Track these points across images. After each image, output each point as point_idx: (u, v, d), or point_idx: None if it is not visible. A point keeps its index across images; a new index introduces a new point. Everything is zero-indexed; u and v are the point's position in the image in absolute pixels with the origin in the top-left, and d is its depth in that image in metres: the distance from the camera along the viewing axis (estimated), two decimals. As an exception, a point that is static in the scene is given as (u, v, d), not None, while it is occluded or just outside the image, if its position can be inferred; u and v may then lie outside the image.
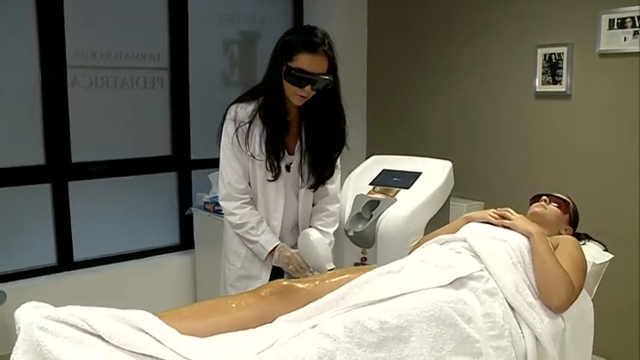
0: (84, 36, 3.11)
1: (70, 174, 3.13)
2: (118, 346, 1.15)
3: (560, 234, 2.00)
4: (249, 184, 2.05)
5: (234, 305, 1.49)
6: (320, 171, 2.05)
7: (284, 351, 1.25)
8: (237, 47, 3.78)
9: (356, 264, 2.43)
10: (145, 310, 1.27)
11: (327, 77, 1.89)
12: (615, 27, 2.80)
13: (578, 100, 3.00)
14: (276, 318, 1.45)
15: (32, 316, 1.13)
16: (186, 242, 3.58)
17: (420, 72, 3.79)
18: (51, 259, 3.14)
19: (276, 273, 2.07)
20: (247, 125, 1.97)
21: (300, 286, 1.57)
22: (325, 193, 2.15)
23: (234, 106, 2.01)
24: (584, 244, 2.04)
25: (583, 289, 1.76)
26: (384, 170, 2.66)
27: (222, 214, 2.14)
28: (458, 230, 1.93)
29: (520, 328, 1.55)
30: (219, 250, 2.26)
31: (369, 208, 2.44)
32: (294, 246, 2.06)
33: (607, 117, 2.90)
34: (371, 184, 2.59)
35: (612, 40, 2.82)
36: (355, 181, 2.63)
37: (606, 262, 2.04)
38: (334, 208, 2.18)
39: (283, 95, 1.93)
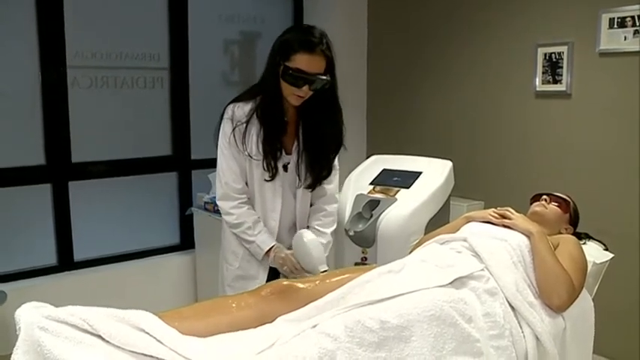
0: (84, 36, 3.11)
1: (70, 174, 3.13)
2: (118, 346, 1.15)
3: (560, 233, 2.00)
4: (247, 183, 2.04)
5: (234, 305, 1.49)
6: (317, 171, 2.04)
7: (284, 351, 1.25)
8: (238, 47, 3.77)
9: (356, 263, 2.43)
10: (145, 310, 1.27)
11: (324, 77, 1.88)
12: (615, 26, 2.80)
13: (578, 99, 3.00)
14: (276, 318, 1.45)
15: (33, 316, 1.13)
16: (186, 242, 3.58)
17: (420, 71, 3.79)
18: (51, 259, 3.14)
19: (274, 273, 2.07)
20: (244, 125, 1.96)
21: (300, 285, 1.57)
22: (323, 193, 2.14)
23: (231, 106, 2.01)
24: (584, 243, 2.04)
25: (583, 289, 1.76)
26: (384, 170, 2.66)
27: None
28: (458, 230, 1.93)
29: (521, 327, 1.55)
30: (220, 250, 2.25)
31: (370, 207, 2.44)
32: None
33: (607, 116, 2.90)
34: (371, 183, 2.59)
35: (612, 40, 2.82)
36: (355, 181, 2.63)
37: (607, 261, 2.04)
38: (332, 208, 2.17)
39: (281, 95, 1.92)
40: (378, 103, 4.07)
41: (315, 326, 1.33)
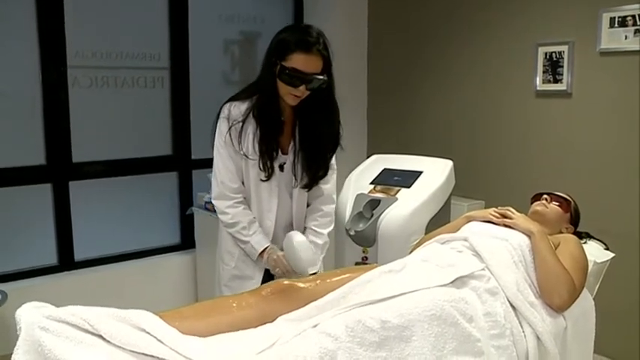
0: (84, 36, 3.11)
1: (70, 174, 3.13)
2: (119, 346, 1.15)
3: (561, 233, 2.00)
4: (243, 183, 2.03)
5: (234, 305, 1.49)
6: (314, 171, 2.03)
7: (285, 350, 1.25)
8: (238, 47, 3.77)
9: (357, 263, 2.43)
10: (145, 310, 1.27)
11: (321, 77, 1.86)
12: (616, 25, 2.80)
13: (578, 98, 3.00)
14: (277, 317, 1.45)
15: (33, 316, 1.13)
16: (186, 242, 3.58)
17: (420, 71, 3.79)
18: (52, 259, 3.14)
19: (270, 274, 2.06)
20: (240, 124, 1.95)
21: (301, 285, 1.57)
22: (320, 194, 2.12)
23: (227, 105, 2.00)
24: (585, 242, 2.04)
25: (584, 288, 1.76)
26: (384, 169, 2.66)
27: (220, 213, 2.13)
28: (459, 229, 1.93)
29: (521, 327, 1.55)
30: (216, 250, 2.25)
31: (370, 207, 2.44)
32: None
33: (608, 115, 2.89)
34: (372, 183, 2.59)
35: (613, 39, 2.82)
36: (356, 181, 2.63)
37: (607, 260, 2.04)
38: (329, 209, 2.15)
39: (277, 94, 1.91)
40: (378, 103, 4.07)
41: (315, 326, 1.33)
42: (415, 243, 2.08)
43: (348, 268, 1.86)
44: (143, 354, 1.16)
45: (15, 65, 2.93)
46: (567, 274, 1.66)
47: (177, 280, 3.47)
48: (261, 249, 2.01)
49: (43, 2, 2.94)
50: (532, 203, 2.08)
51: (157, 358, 1.16)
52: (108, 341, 1.15)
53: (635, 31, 2.74)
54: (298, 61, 1.83)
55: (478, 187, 3.42)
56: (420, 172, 2.56)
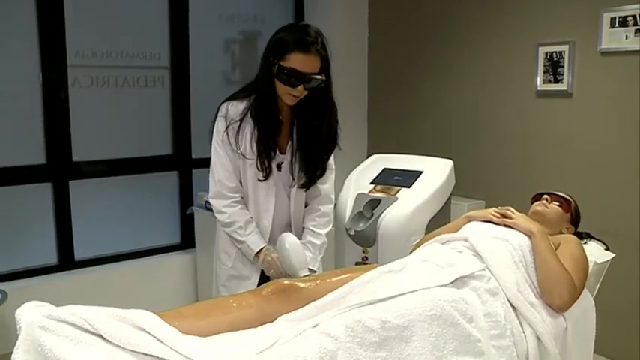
0: (84, 35, 3.11)
1: (70, 173, 3.13)
2: (119, 346, 1.15)
3: (561, 233, 1.99)
4: (241, 183, 2.03)
5: (235, 304, 1.49)
6: (311, 170, 2.02)
7: (285, 350, 1.24)
8: (238, 46, 3.77)
9: (357, 263, 2.43)
10: (145, 310, 1.27)
11: (319, 77, 1.85)
12: (617, 25, 2.80)
13: (579, 98, 3.00)
14: (277, 317, 1.44)
15: (33, 315, 1.13)
16: (187, 241, 3.58)
17: (421, 71, 3.78)
18: (52, 258, 3.14)
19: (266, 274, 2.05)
20: (238, 123, 1.94)
21: (301, 285, 1.56)
22: (317, 194, 2.11)
23: (225, 104, 1.99)
24: (585, 243, 2.04)
25: (584, 289, 1.76)
26: (385, 169, 2.65)
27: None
28: (459, 229, 1.92)
29: (522, 327, 1.55)
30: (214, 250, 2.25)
31: (370, 207, 2.44)
32: None
33: (608, 115, 2.89)
34: (372, 183, 2.59)
35: (613, 39, 2.82)
36: (356, 180, 2.63)
37: (608, 261, 2.03)
38: (327, 209, 2.14)
39: (275, 94, 1.90)
40: (378, 102, 4.07)
41: (315, 326, 1.33)
42: (415, 243, 2.08)
43: (348, 268, 1.86)
44: (143, 353, 1.16)
45: (15, 65, 2.93)
46: (567, 275, 1.66)
47: (177, 279, 3.47)
48: (257, 249, 2.00)
49: (43, 2, 2.94)
50: (532, 203, 2.08)
51: (157, 357, 1.16)
52: (108, 340, 1.15)
53: (636, 31, 2.74)
54: (296, 60, 1.83)
55: (478, 187, 3.42)
56: (421, 172, 2.56)
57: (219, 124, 1.98)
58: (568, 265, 1.69)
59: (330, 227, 2.15)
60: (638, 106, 2.76)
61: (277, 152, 1.99)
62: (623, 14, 2.77)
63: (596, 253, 2.02)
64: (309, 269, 2.02)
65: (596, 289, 2.00)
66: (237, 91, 2.02)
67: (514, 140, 3.30)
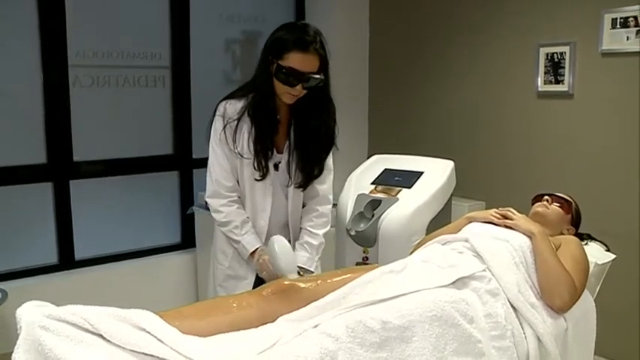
0: (85, 35, 3.11)
1: (71, 173, 3.13)
2: (119, 346, 1.15)
3: (562, 234, 1.99)
4: (238, 182, 2.02)
5: (235, 305, 1.49)
6: (308, 170, 2.01)
7: (285, 351, 1.24)
8: (239, 46, 3.77)
9: (357, 263, 2.43)
10: (146, 310, 1.27)
11: (318, 76, 1.85)
12: (618, 26, 2.80)
13: (580, 99, 3.00)
14: (277, 317, 1.44)
15: (34, 315, 1.13)
16: (187, 241, 3.58)
17: (421, 71, 3.78)
18: (52, 258, 3.14)
19: None
20: (235, 122, 1.94)
21: (301, 285, 1.56)
22: (315, 194, 2.10)
23: (223, 103, 1.99)
24: (586, 244, 2.04)
25: (585, 290, 1.75)
26: (385, 169, 2.65)
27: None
28: (460, 230, 1.92)
29: (522, 328, 1.55)
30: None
31: (371, 207, 2.44)
32: None
33: (609, 116, 2.89)
34: (373, 183, 2.59)
35: (615, 40, 2.81)
36: (357, 181, 2.63)
37: (608, 262, 2.03)
38: (325, 209, 2.12)
39: (273, 93, 1.90)
40: (379, 103, 4.07)
41: (316, 326, 1.33)
42: (416, 244, 2.08)
43: (348, 269, 1.87)
44: (143, 353, 1.16)
45: (16, 64, 2.94)
46: (568, 276, 1.65)
47: (177, 279, 3.47)
48: (252, 249, 1.99)
49: (44, 2, 2.94)
50: (533, 204, 2.08)
51: (158, 357, 1.16)
52: (108, 340, 1.15)
53: (637, 32, 2.73)
54: (295, 60, 1.82)
55: (479, 188, 3.42)
56: (421, 173, 2.55)
57: (217, 123, 1.98)
58: (569, 266, 1.69)
59: (327, 228, 2.13)
60: (639, 107, 2.76)
61: (275, 152, 1.99)
62: (624, 15, 2.77)
63: (596, 254, 2.02)
64: (306, 270, 2.02)
65: (597, 291, 2.00)
66: (235, 90, 2.02)
67: (515, 141, 3.30)
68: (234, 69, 3.76)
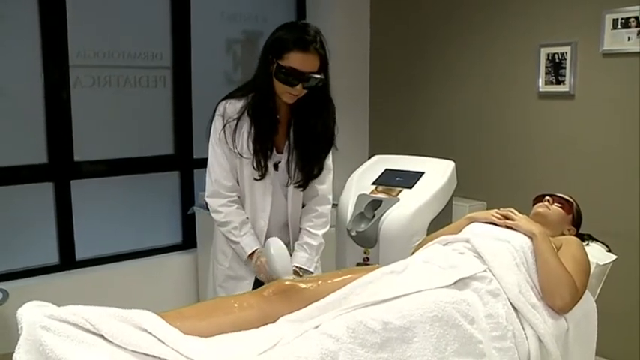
0: (86, 35, 3.11)
1: (72, 173, 3.13)
2: (120, 346, 1.15)
3: (563, 234, 1.99)
4: (237, 182, 2.02)
5: (236, 305, 1.49)
6: (307, 169, 2.01)
7: (286, 351, 1.24)
8: (240, 46, 3.77)
9: (358, 264, 2.43)
10: (147, 310, 1.27)
11: (318, 76, 1.85)
12: (619, 27, 2.79)
13: (581, 100, 3.00)
14: (278, 318, 1.44)
15: (35, 315, 1.13)
16: (188, 241, 3.58)
17: (422, 71, 3.78)
18: (53, 258, 3.14)
19: None
20: (235, 122, 1.94)
21: (302, 285, 1.56)
22: (315, 194, 2.10)
23: (223, 102, 1.99)
24: (587, 244, 2.04)
25: (586, 290, 1.75)
26: (386, 170, 2.65)
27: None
28: (461, 231, 1.92)
29: (523, 328, 1.55)
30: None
31: (372, 207, 2.44)
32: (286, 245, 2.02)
33: (610, 117, 2.89)
34: (373, 183, 2.59)
35: (616, 40, 2.81)
36: (358, 181, 2.63)
37: (609, 262, 2.03)
38: (324, 210, 2.12)
39: (273, 93, 1.90)
40: (380, 103, 4.07)
41: (317, 327, 1.33)
42: (417, 244, 2.08)
43: (349, 269, 1.87)
44: (144, 354, 1.16)
45: (17, 64, 2.94)
46: (569, 276, 1.65)
47: (178, 279, 3.47)
48: (250, 251, 1.99)
49: (45, 2, 2.94)
50: (534, 205, 2.08)
51: (159, 358, 1.16)
52: (109, 341, 1.15)
53: (638, 33, 2.73)
54: (295, 59, 1.82)
55: (480, 189, 3.42)
56: (422, 173, 2.55)
57: (217, 123, 1.98)
58: (570, 266, 1.69)
59: (327, 228, 2.13)
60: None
61: (275, 151, 1.99)
62: (625, 15, 2.77)
63: (597, 254, 2.02)
64: (305, 270, 2.02)
65: (598, 291, 1.99)
66: (235, 90, 2.02)
67: (516, 141, 3.30)
68: (235, 69, 3.76)
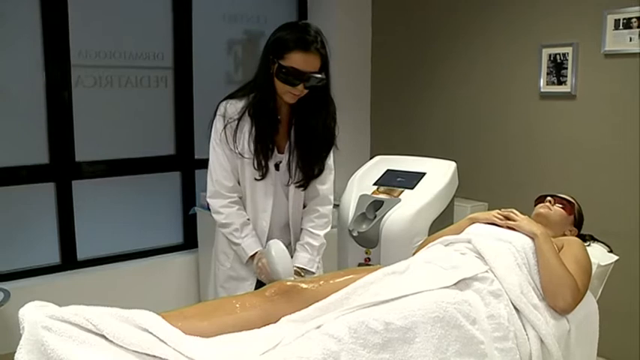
0: (88, 35, 3.11)
1: (73, 173, 3.13)
2: (121, 346, 1.15)
3: (564, 235, 1.99)
4: (239, 182, 2.02)
5: (238, 305, 1.49)
6: (308, 169, 2.01)
7: (288, 352, 1.24)
8: (241, 47, 3.78)
9: (360, 264, 2.43)
10: (148, 310, 1.27)
11: (319, 75, 1.85)
12: (620, 27, 2.79)
13: (583, 100, 2.99)
14: (280, 318, 1.44)
15: (36, 315, 1.13)
16: (189, 242, 3.58)
17: (424, 71, 3.78)
18: (54, 258, 3.15)
19: None
20: (236, 122, 1.93)
21: (304, 286, 1.56)
22: (316, 194, 2.09)
23: (224, 102, 1.98)
24: (589, 245, 2.04)
25: (588, 291, 1.75)
26: (388, 170, 2.65)
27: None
28: (462, 231, 1.92)
29: (525, 329, 1.54)
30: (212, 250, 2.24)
31: (373, 208, 2.44)
32: (287, 245, 2.03)
33: (612, 117, 2.89)
34: (375, 184, 2.59)
35: (617, 41, 2.81)
36: (359, 181, 2.63)
37: (611, 263, 2.03)
38: (326, 210, 2.11)
39: (274, 93, 1.90)
40: (382, 103, 4.07)
41: (319, 327, 1.32)
42: (419, 244, 2.08)
43: (351, 270, 1.86)
44: (146, 354, 1.16)
45: (19, 64, 2.94)
46: (571, 277, 1.65)
47: (180, 280, 3.47)
48: (251, 253, 1.99)
49: (47, 1, 2.94)
50: (536, 205, 2.08)
51: (160, 358, 1.16)
52: (111, 341, 1.15)
53: (640, 33, 2.73)
54: (297, 59, 1.82)
55: (481, 189, 3.42)
56: (424, 174, 2.55)
57: (218, 123, 1.97)
58: (571, 267, 1.69)
59: (328, 228, 2.13)
60: (642, 108, 2.76)
61: (276, 152, 1.99)
62: (626, 16, 2.77)
63: (599, 255, 2.02)
64: (307, 271, 2.01)
65: (600, 292, 1.99)
66: (236, 90, 2.02)
67: (517, 142, 3.30)
68: (236, 70, 3.77)
